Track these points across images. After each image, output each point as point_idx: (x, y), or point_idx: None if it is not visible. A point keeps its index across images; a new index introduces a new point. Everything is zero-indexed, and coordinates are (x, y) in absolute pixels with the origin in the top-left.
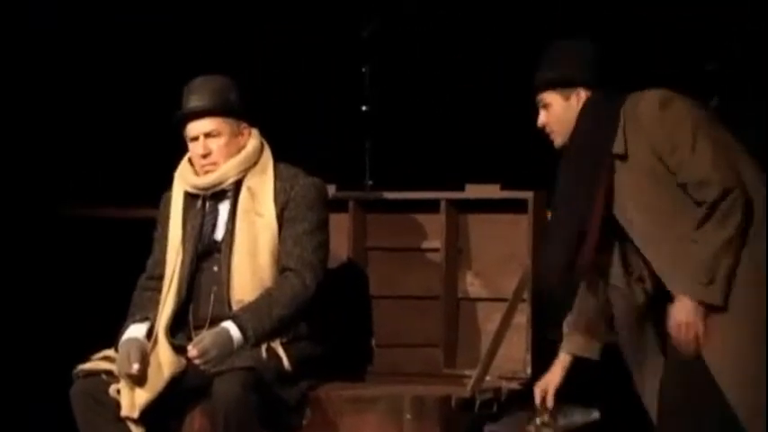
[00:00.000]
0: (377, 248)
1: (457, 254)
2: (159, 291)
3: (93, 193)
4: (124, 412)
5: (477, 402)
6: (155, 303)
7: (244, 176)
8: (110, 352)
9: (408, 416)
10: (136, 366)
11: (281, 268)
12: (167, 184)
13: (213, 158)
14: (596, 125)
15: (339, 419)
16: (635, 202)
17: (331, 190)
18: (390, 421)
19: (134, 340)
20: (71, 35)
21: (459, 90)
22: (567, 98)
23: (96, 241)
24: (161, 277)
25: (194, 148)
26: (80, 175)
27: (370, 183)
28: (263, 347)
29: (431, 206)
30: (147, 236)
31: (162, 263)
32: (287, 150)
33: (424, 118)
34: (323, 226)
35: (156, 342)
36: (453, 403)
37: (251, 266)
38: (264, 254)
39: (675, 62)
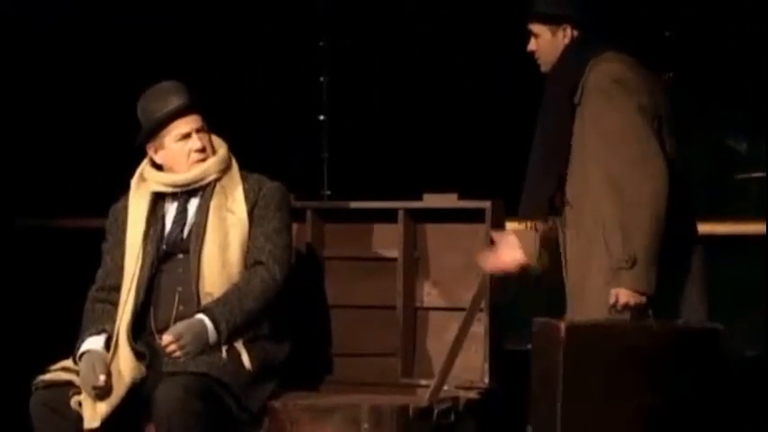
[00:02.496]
0: (334, 258)
1: (414, 263)
2: (111, 302)
3: (49, 204)
4: (87, 425)
5: (435, 412)
6: (108, 315)
7: (218, 177)
8: (68, 363)
9: (366, 425)
10: (102, 378)
11: (250, 263)
12: (120, 192)
13: (207, 153)
14: (568, 72)
15: (296, 429)
16: (575, 151)
17: (291, 202)
18: (348, 431)
19: (95, 352)
20: (19, 42)
21: (417, 100)
22: (555, 33)
23: (53, 251)
24: (112, 288)
25: (187, 144)
26: (36, 186)
27: (328, 192)
28: (224, 349)
29: (388, 216)
30: (101, 246)
31: (114, 272)
32: (244, 159)
33: (382, 127)
34: (289, 227)
35: (116, 348)
36: (411, 413)
37: (221, 260)
38: (234, 249)
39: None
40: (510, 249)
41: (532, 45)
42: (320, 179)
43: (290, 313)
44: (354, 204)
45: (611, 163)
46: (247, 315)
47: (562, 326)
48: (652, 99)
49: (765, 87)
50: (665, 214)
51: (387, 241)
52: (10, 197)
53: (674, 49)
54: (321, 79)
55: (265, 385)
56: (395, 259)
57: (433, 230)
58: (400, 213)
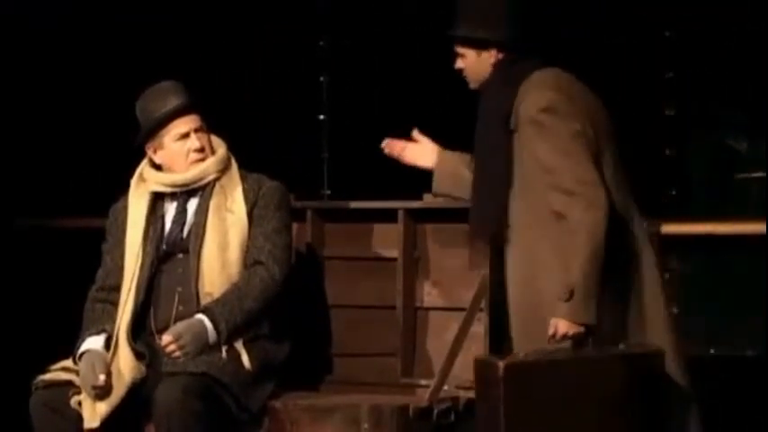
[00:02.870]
0: (334, 258)
1: (414, 263)
2: (111, 302)
3: (49, 204)
4: (86, 425)
5: (435, 412)
6: (108, 315)
7: (218, 177)
8: (68, 363)
9: (366, 425)
10: (102, 378)
11: (250, 262)
12: (119, 192)
13: (206, 152)
14: (499, 96)
15: (296, 429)
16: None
17: (291, 202)
18: (348, 431)
19: (95, 352)
20: (18, 42)
21: (417, 100)
22: (480, 54)
23: (53, 251)
24: (112, 288)
25: (186, 144)
26: (36, 186)
27: (328, 192)
28: (224, 349)
29: (388, 216)
30: (100, 246)
31: (114, 273)
32: (244, 159)
33: (382, 127)
34: (289, 227)
35: (116, 348)
36: (411, 413)
37: (220, 260)
38: (234, 249)
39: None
40: (425, 151)
41: (459, 64)
42: (320, 179)
43: (290, 313)
44: (354, 204)
45: (549, 193)
46: (247, 315)
47: (501, 364)
48: (588, 120)
49: (765, 87)
50: (605, 242)
51: (387, 241)
52: (10, 197)
53: (674, 49)
54: (321, 79)
55: (265, 385)
56: (395, 259)
57: (432, 230)
58: (400, 213)
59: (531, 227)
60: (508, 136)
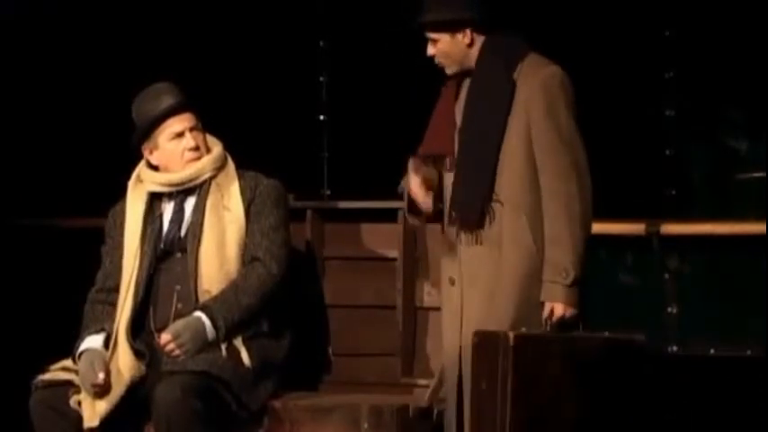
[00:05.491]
0: (334, 258)
1: (414, 263)
2: (111, 303)
3: (49, 204)
4: (86, 424)
5: (435, 412)
6: (108, 315)
7: (214, 176)
8: (68, 362)
9: (366, 425)
10: (102, 376)
11: (247, 259)
12: (118, 193)
13: (201, 151)
14: (499, 65)
15: (296, 429)
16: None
17: (288, 199)
18: (348, 431)
19: (94, 351)
20: (17, 43)
21: (417, 100)
22: (454, 36)
23: (53, 251)
24: (111, 289)
25: (181, 143)
26: (36, 186)
27: (328, 192)
28: (223, 346)
29: (388, 215)
30: (99, 246)
31: (113, 274)
32: (244, 159)
33: (382, 127)
34: (287, 224)
35: (115, 346)
36: (411, 413)
37: (218, 258)
38: (232, 246)
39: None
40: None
41: (431, 50)
42: (320, 179)
43: (290, 313)
44: (354, 204)
45: (563, 159)
46: (245, 311)
47: (510, 335)
48: None
49: (765, 87)
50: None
51: (387, 241)
52: (10, 197)
53: (674, 49)
54: (321, 79)
55: (265, 383)
56: (395, 259)
57: (433, 230)
58: (400, 213)
59: (524, 198)
60: (506, 115)
